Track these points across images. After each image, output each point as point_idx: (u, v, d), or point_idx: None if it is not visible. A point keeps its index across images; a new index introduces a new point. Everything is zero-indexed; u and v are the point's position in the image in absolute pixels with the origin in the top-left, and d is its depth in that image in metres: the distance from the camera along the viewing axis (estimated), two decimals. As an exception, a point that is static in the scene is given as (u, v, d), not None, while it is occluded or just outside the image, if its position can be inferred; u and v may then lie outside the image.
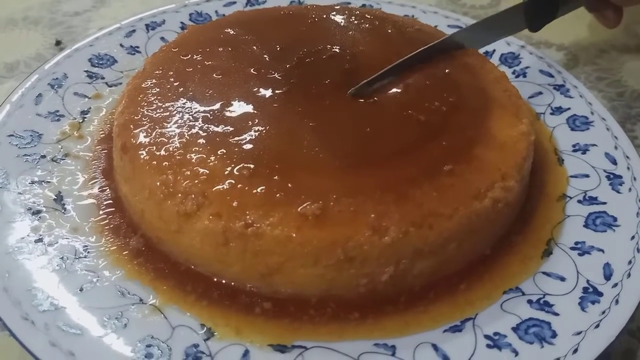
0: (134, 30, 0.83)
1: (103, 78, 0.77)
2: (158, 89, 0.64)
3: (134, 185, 0.59)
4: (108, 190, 0.64)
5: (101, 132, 0.70)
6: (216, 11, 0.87)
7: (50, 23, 0.97)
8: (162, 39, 0.83)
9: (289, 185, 0.55)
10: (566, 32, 0.97)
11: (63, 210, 0.61)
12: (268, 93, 0.64)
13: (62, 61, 0.77)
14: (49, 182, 0.63)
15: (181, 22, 0.85)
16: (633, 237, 0.59)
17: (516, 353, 0.50)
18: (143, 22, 0.84)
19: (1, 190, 0.61)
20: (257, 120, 0.61)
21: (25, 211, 0.60)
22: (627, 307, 0.53)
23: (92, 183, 0.64)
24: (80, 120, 0.71)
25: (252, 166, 0.56)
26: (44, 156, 0.66)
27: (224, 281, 0.56)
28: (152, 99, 0.63)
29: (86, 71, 0.77)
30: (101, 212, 0.61)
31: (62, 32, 0.96)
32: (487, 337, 0.52)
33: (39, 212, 0.60)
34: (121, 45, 0.81)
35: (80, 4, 1.02)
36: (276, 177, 0.55)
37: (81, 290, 0.54)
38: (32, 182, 0.63)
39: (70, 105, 0.72)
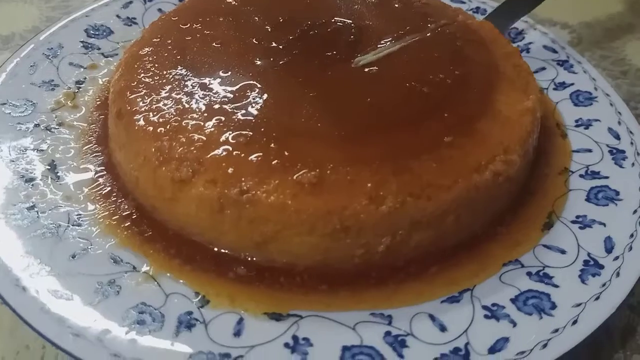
0: (131, 2, 0.82)
1: (99, 49, 0.75)
2: (155, 57, 0.63)
3: (129, 152, 0.58)
4: (102, 158, 0.63)
5: (97, 101, 0.69)
6: (216, -17, 0.86)
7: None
8: (160, 10, 0.81)
9: (286, 153, 0.54)
10: (570, 10, 0.95)
11: (56, 179, 0.60)
12: (268, 63, 0.63)
13: (58, 31, 0.76)
14: (43, 150, 0.62)
15: (179, -6, 0.84)
16: (635, 211, 0.58)
17: (514, 324, 0.50)
18: (141, -6, 0.83)
19: (-7, 157, 0.60)
20: (256, 89, 0.60)
21: (18, 178, 0.59)
22: (628, 279, 0.53)
23: (86, 152, 0.63)
24: (75, 90, 0.70)
25: (249, 134, 0.55)
26: (37, 125, 0.65)
27: (219, 249, 0.55)
28: (149, 66, 0.62)
29: (82, 42, 0.75)
30: (95, 181, 0.61)
31: (58, 5, 0.94)
32: (485, 307, 0.51)
33: (32, 179, 0.59)
34: (118, 16, 0.80)
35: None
36: (273, 145, 0.54)
37: (74, 257, 0.53)
38: (26, 150, 0.62)
39: (65, 75, 0.71)
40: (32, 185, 0.59)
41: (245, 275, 0.53)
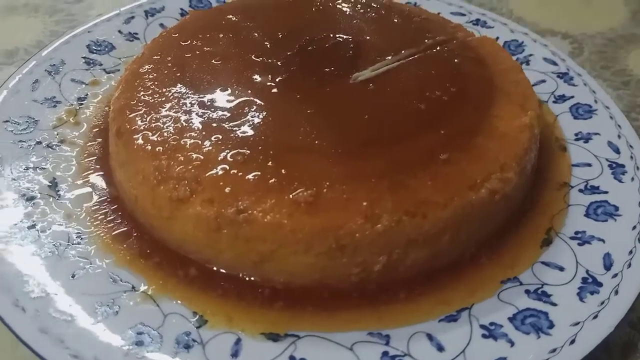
0: (132, 17, 0.82)
1: (101, 64, 0.76)
2: (155, 74, 0.64)
3: (128, 170, 0.58)
4: (103, 176, 0.63)
5: (98, 118, 0.70)
6: (217, -3, 0.87)
7: (50, 10, 0.97)
8: (162, 25, 0.82)
9: (283, 171, 0.54)
10: (571, 20, 0.95)
11: (57, 197, 0.60)
12: (267, 80, 0.64)
13: (60, 47, 0.76)
14: (44, 168, 0.63)
15: (181, 9, 0.85)
16: (634, 227, 0.58)
17: (512, 343, 0.50)
18: (142, 9, 0.84)
19: (-5, 175, 0.61)
20: (254, 107, 0.60)
21: (19, 197, 0.59)
22: (626, 297, 0.52)
23: (87, 169, 0.64)
24: (77, 107, 0.70)
25: (246, 152, 0.55)
26: (39, 142, 0.65)
27: (216, 269, 0.55)
28: (149, 84, 0.63)
29: (84, 57, 0.76)
30: (95, 199, 0.61)
31: (62, 19, 0.95)
32: (482, 327, 0.51)
33: (32, 198, 0.60)
34: (120, 31, 0.81)
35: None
36: (270, 164, 0.54)
37: (73, 277, 0.53)
38: (27, 168, 0.62)
39: (67, 91, 0.72)
40: (33, 203, 0.59)
41: (242, 295, 0.54)
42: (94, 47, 0.78)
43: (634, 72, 0.87)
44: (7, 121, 0.66)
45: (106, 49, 0.78)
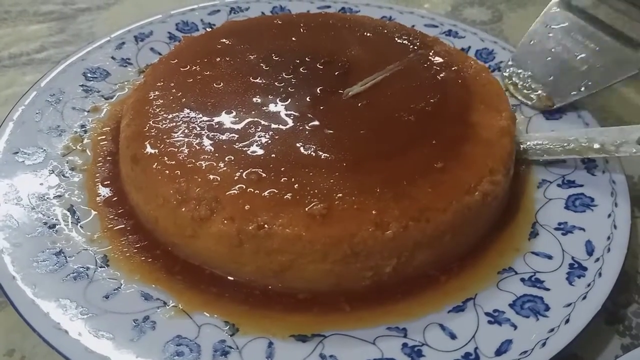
0: (123, 43, 0.86)
1: (99, 91, 0.79)
2: (162, 101, 0.67)
3: (147, 194, 0.62)
4: (117, 199, 0.67)
5: (103, 144, 0.73)
6: (202, 20, 0.90)
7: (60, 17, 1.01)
8: (152, 49, 0.85)
9: (296, 186, 0.58)
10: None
11: (77, 222, 0.64)
12: (268, 100, 0.68)
13: (57, 77, 0.79)
14: (60, 196, 0.66)
15: (169, 32, 0.88)
16: (609, 215, 0.65)
17: (515, 327, 0.56)
18: (132, 34, 0.87)
19: (16, 206, 0.64)
20: (260, 127, 0.65)
21: (41, 225, 0.62)
22: (609, 278, 0.59)
23: (101, 194, 0.67)
24: (82, 134, 0.73)
25: (260, 170, 0.60)
26: (52, 171, 0.68)
27: (239, 280, 0.60)
28: (157, 110, 0.66)
29: (81, 85, 0.79)
30: (114, 222, 0.64)
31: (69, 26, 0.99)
32: (487, 314, 0.57)
33: (54, 225, 0.63)
34: (112, 57, 0.84)
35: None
36: (283, 180, 0.59)
37: (107, 297, 0.57)
38: (44, 196, 0.65)
39: (69, 119, 0.75)
40: (56, 230, 0.62)
41: (267, 302, 0.58)
42: (89, 75, 0.81)
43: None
44: (17, 152, 0.69)
45: (102, 76, 0.81)
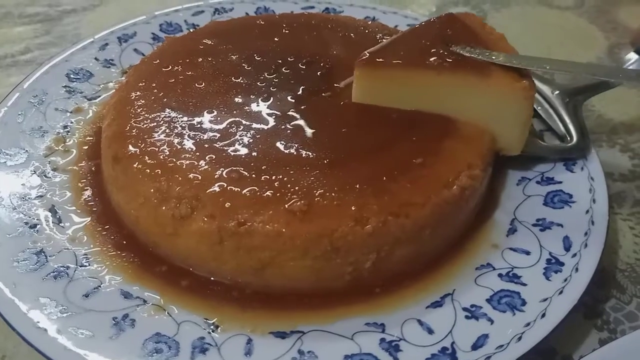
0: (107, 44, 0.86)
1: (82, 92, 0.79)
2: (144, 101, 0.68)
3: (128, 193, 0.62)
4: (99, 199, 0.67)
5: (85, 145, 0.73)
6: (185, 20, 0.91)
7: (45, 18, 1.01)
8: (136, 50, 0.86)
9: (276, 184, 0.59)
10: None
11: (58, 222, 0.64)
12: (249, 100, 0.69)
13: (41, 78, 0.79)
14: (42, 196, 0.66)
15: (152, 33, 0.88)
16: (587, 211, 0.66)
17: (492, 321, 0.56)
18: (115, 35, 0.87)
19: (-3, 206, 0.64)
20: (241, 126, 0.65)
21: (22, 225, 0.63)
22: (586, 273, 0.60)
23: (83, 194, 0.67)
24: (65, 135, 0.74)
25: (241, 169, 0.60)
26: (34, 172, 0.68)
27: (219, 279, 0.60)
28: (139, 110, 0.67)
29: (64, 86, 0.79)
30: (95, 221, 0.65)
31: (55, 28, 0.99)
32: (465, 309, 0.57)
33: (35, 225, 0.63)
34: (96, 58, 0.84)
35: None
36: (264, 178, 0.59)
37: (87, 296, 0.57)
38: (25, 197, 0.66)
39: (52, 120, 0.75)
40: (37, 230, 0.63)
41: (246, 299, 0.58)
42: (72, 76, 0.81)
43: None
44: (-1, 153, 0.69)
45: (85, 77, 0.81)
